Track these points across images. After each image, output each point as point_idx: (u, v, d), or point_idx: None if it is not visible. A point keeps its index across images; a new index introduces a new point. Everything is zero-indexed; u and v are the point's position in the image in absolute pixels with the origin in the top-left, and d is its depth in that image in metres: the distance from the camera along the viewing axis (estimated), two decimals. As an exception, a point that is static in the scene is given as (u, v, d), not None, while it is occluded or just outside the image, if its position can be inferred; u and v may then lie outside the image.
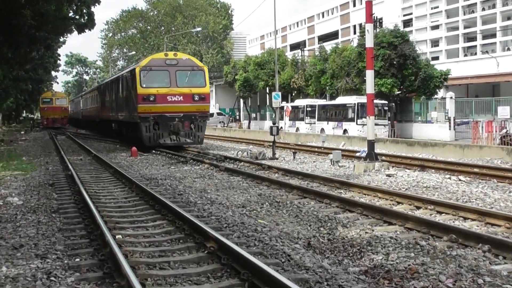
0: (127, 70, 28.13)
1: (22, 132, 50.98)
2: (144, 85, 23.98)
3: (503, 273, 6.15)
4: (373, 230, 8.36)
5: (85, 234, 8.11)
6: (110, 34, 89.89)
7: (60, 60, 56.52)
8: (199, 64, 25.79)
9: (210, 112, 32.29)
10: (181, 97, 24.14)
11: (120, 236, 7.79)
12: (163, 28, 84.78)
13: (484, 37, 51.78)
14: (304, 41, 76.64)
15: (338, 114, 37.35)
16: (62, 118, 61.37)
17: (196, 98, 24.42)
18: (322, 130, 37.29)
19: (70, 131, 52.90)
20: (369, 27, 17.99)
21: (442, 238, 7.72)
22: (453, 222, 8.95)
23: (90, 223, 8.63)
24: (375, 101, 22.23)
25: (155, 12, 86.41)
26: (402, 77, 34.98)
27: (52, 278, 6.01)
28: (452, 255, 6.92)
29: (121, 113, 29.04)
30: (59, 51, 50.11)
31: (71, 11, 25.49)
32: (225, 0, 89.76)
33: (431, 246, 7.37)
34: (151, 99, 23.79)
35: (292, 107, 44.69)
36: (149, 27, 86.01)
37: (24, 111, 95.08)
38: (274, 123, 38.86)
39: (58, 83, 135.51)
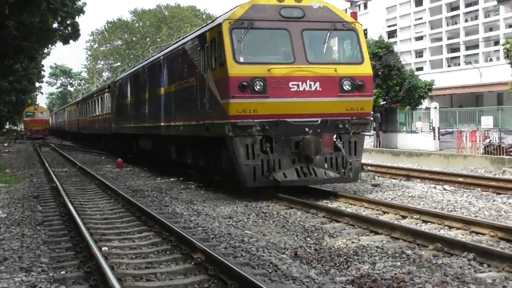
0: (194, 35, 14.77)
1: (6, 144, 50.49)
2: (241, 59, 12.21)
3: (487, 281, 6.20)
4: (359, 240, 8.38)
5: (71, 246, 8.04)
6: (96, 45, 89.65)
7: (44, 71, 56.46)
8: (347, 18, 13.54)
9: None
10: (317, 83, 12.44)
11: (106, 248, 7.74)
12: (148, 39, 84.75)
13: (467, 48, 52.43)
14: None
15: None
16: (44, 129, 67.89)
17: (347, 86, 12.66)
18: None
19: (55, 142, 52.53)
20: (353, 38, 17.99)
21: (428, 247, 7.76)
22: (439, 231, 9.01)
23: (75, 235, 8.56)
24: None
25: (141, 24, 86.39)
26: (387, 88, 35.24)
27: (37, 291, 5.95)
28: (438, 263, 6.96)
29: (173, 120, 16.38)
30: (43, 62, 49.90)
31: (55, 22, 25.46)
32: (211, 12, 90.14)
33: (417, 255, 7.41)
34: (257, 87, 12.04)
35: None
36: (134, 38, 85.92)
37: (8, 123, 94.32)
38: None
39: (42, 93, 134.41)
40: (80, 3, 26.16)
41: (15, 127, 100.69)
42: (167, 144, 18.58)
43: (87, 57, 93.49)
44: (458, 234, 8.72)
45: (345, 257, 7.40)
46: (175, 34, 78.42)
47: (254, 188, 12.56)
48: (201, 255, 6.91)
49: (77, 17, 26.28)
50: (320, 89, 12.49)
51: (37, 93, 77.66)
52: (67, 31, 26.44)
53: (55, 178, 16.48)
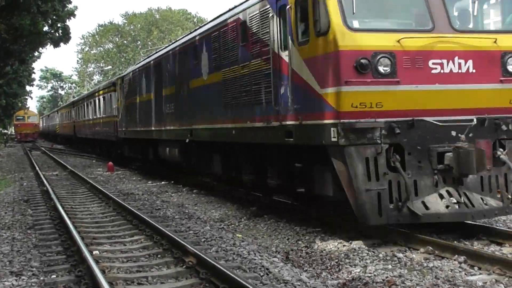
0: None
1: (-4, 148, 50.22)
2: (355, 24, 7.92)
3: (478, 284, 6.23)
4: (351, 243, 8.39)
5: (62, 250, 8.01)
6: (86, 48, 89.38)
7: (35, 73, 56.11)
8: None
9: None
10: (469, 62, 8.13)
11: (97, 252, 7.71)
12: (139, 42, 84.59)
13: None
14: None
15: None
16: (33, 133, 70.68)
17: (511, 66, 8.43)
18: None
19: (45, 146, 52.28)
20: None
21: (419, 250, 7.80)
22: (430, 234, 9.03)
23: (66, 239, 8.54)
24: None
25: (132, 27, 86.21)
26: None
27: (28, 295, 5.92)
28: (429, 266, 6.98)
29: (219, 121, 12.01)
30: (34, 65, 49.61)
31: (46, 25, 25.36)
32: (202, 15, 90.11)
33: (408, 258, 7.43)
34: (383, 68, 7.74)
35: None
36: (125, 42, 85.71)
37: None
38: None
39: (32, 98, 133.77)
40: (71, 6, 26.11)
41: (5, 131, 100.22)
42: (206, 154, 13.80)
43: (77, 60, 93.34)
44: (449, 237, 8.75)
45: (336, 260, 7.41)
46: (166, 37, 78.37)
47: (384, 223, 8.03)
48: (193, 258, 6.90)
49: (68, 20, 26.20)
50: (474, 71, 8.22)
51: (27, 97, 77.33)
52: (57, 34, 26.32)
53: (45, 182, 16.41)
